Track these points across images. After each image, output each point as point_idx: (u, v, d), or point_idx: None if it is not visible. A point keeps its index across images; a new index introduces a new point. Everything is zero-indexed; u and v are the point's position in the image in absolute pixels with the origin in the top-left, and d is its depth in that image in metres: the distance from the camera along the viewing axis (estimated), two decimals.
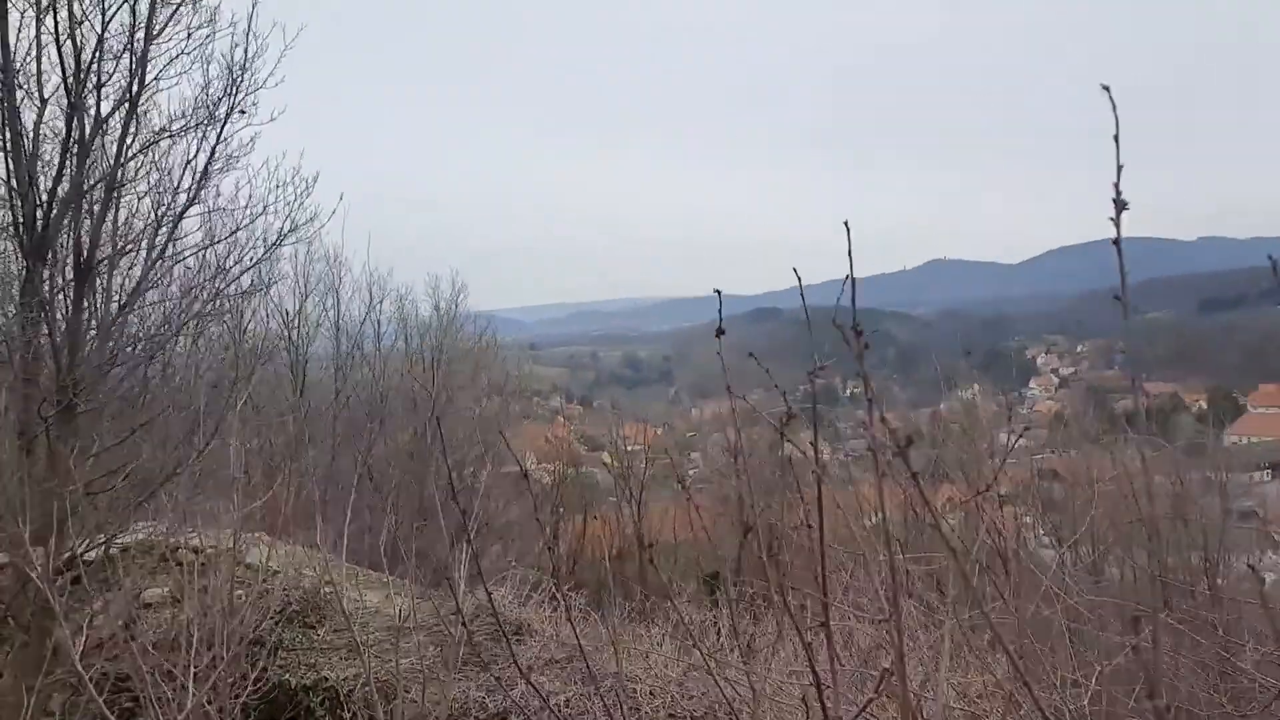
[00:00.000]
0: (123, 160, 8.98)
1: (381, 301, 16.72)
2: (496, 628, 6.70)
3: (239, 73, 9.41)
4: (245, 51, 9.38)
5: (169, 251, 9.21)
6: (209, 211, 9.44)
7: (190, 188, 9.26)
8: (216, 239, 9.45)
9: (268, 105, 9.71)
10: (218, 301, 9.55)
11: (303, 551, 8.81)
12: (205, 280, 9.28)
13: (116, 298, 8.97)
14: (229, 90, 9.38)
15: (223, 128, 9.43)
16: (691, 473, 30.71)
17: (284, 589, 7.26)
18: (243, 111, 9.48)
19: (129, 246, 9.08)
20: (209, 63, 9.35)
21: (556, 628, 7.81)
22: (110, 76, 8.94)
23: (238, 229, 9.49)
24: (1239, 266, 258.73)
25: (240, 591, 6.31)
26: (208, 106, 9.34)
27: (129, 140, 9.03)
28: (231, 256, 9.56)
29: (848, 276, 2.25)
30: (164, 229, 9.16)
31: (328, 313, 16.69)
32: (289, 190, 9.78)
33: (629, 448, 35.87)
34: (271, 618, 6.92)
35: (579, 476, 25.13)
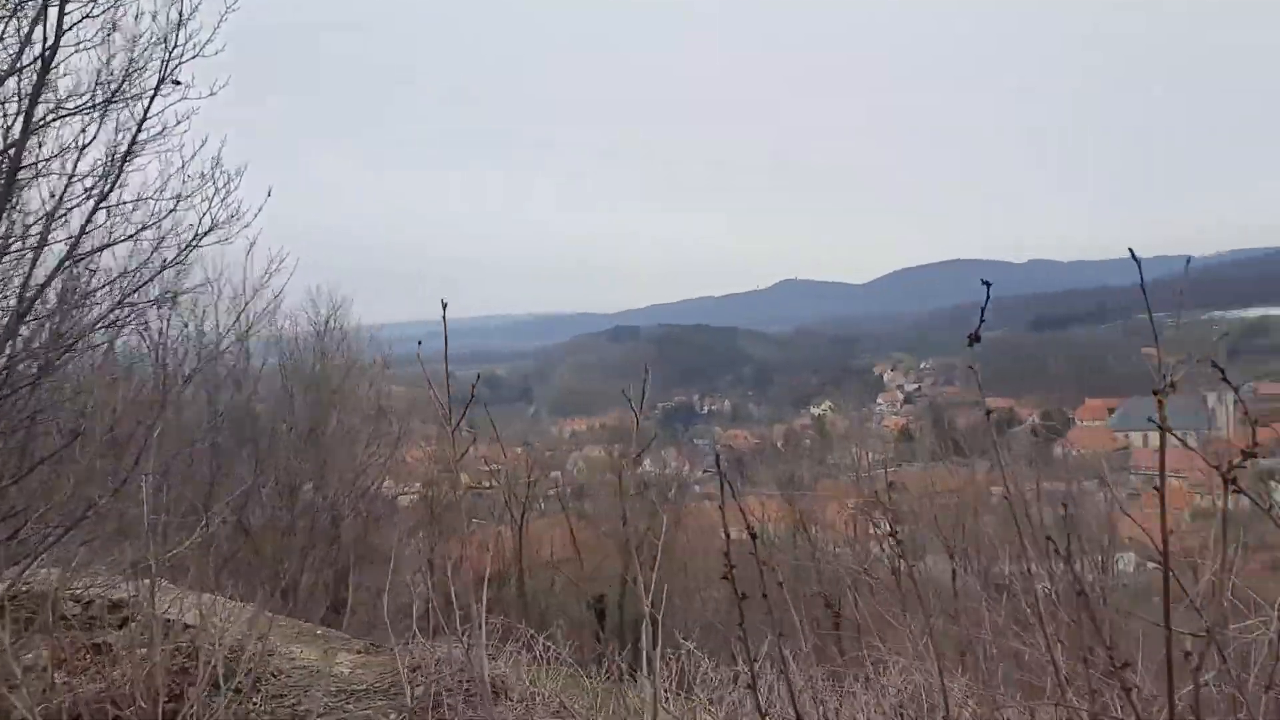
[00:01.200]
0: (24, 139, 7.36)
1: (242, 315, 15.83)
2: (468, 687, 5.88)
3: (171, 35, 7.83)
4: (180, 11, 7.78)
5: (82, 249, 7.74)
6: (112, 206, 7.96)
7: (106, 175, 7.82)
8: (118, 238, 8.03)
9: (205, 77, 8.04)
10: (123, 311, 8.19)
11: (223, 603, 7.12)
12: (99, 286, 7.93)
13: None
14: (164, 57, 7.83)
15: (150, 103, 7.89)
16: (551, 492, 30.83)
17: (206, 647, 6.19)
18: (176, 82, 8.03)
19: (12, 244, 7.65)
20: (137, 18, 7.69)
21: (536, 684, 6.52)
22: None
23: (144, 227, 8.14)
24: (1064, 288, 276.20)
25: (144, 650, 5.43)
26: (126, 76, 7.84)
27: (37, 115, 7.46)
28: (135, 258, 8.18)
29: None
30: (59, 221, 7.65)
31: (188, 328, 15.80)
32: (207, 184, 8.33)
33: (489, 468, 35.62)
34: (191, 684, 5.54)
35: (451, 499, 24.89)
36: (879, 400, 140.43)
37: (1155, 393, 2.22)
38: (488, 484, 34.87)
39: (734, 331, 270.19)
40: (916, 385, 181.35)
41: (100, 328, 7.97)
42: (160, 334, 11.32)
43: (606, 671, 6.23)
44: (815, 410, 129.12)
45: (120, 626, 5.65)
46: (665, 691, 5.79)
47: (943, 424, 40.52)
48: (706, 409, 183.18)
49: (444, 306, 3.24)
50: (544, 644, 5.15)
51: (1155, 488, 2.27)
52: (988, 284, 2.16)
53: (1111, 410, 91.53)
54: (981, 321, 2.12)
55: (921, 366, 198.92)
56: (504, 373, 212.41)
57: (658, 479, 30.64)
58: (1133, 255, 2.59)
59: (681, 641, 6.36)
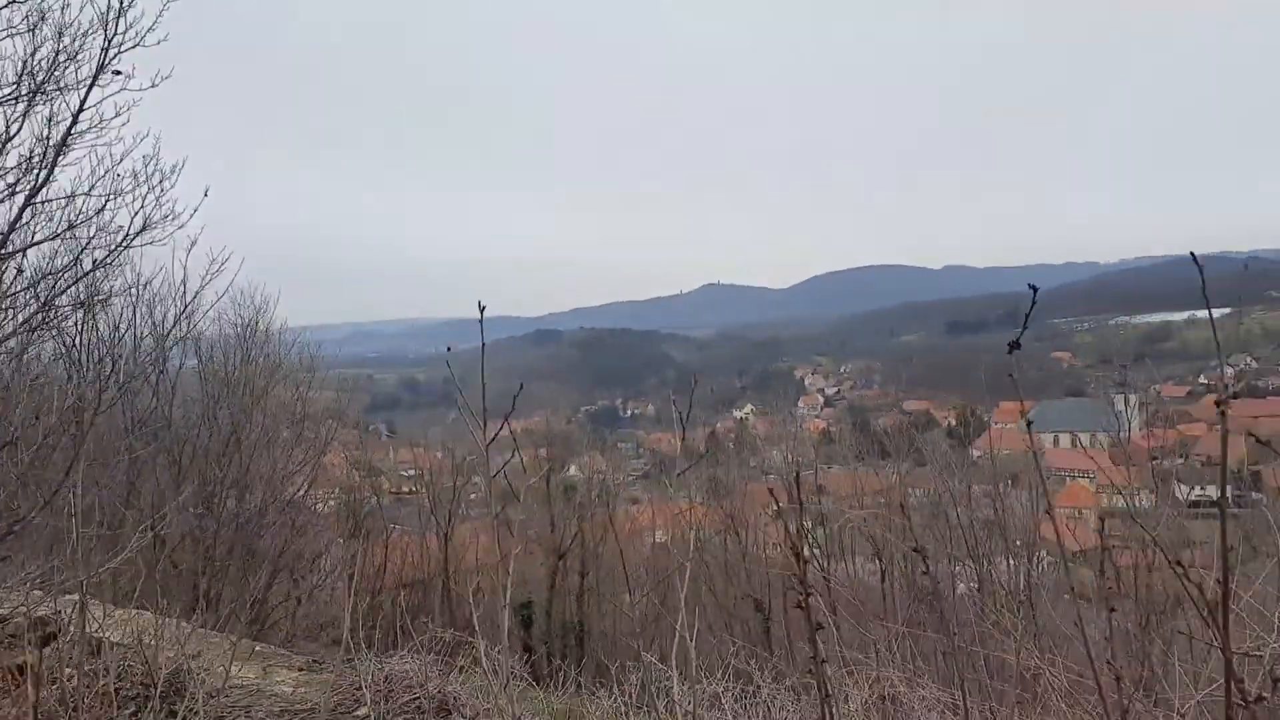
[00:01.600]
0: None
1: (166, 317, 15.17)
2: (417, 705, 5.72)
3: (111, 22, 7.45)
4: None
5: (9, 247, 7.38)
6: (39, 203, 7.58)
7: (37, 170, 7.39)
8: (45, 236, 7.65)
9: (148, 68, 7.67)
10: (49, 312, 7.81)
11: (150, 618, 6.54)
12: (20, 289, 7.48)
13: None
14: (103, 45, 7.47)
15: (87, 93, 7.47)
16: (472, 496, 30.53)
17: (139, 666, 5.73)
18: (117, 72, 7.59)
19: None
20: (64, 9, 7.32)
21: (488, 699, 6.03)
22: None
23: (71, 225, 7.71)
24: (980, 293, 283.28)
25: (70, 671, 5.08)
26: (54, 65, 7.42)
27: None
28: (61, 257, 7.79)
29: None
30: None
31: (117, 330, 15.04)
32: (141, 181, 7.90)
33: (407, 473, 35.18)
34: (123, 704, 5.45)
35: (369, 504, 24.51)
36: (800, 403, 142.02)
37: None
38: (408, 489, 34.47)
39: (657, 335, 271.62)
40: (836, 388, 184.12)
41: (19, 333, 7.51)
42: (81, 338, 10.91)
43: (561, 685, 6.16)
44: (738, 413, 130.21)
45: (43, 645, 5.35)
46: (625, 706, 5.78)
47: (862, 427, 41.14)
48: (630, 412, 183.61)
49: (481, 309, 3.12)
50: (494, 657, 4.97)
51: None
52: (1034, 288, 2.21)
53: (1024, 413, 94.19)
54: (1024, 329, 2.18)
55: (841, 370, 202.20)
56: (423, 377, 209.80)
57: (584, 483, 30.57)
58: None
59: (643, 655, 6.19)
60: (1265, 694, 1.71)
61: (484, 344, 3.16)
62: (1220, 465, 1.87)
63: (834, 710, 2.31)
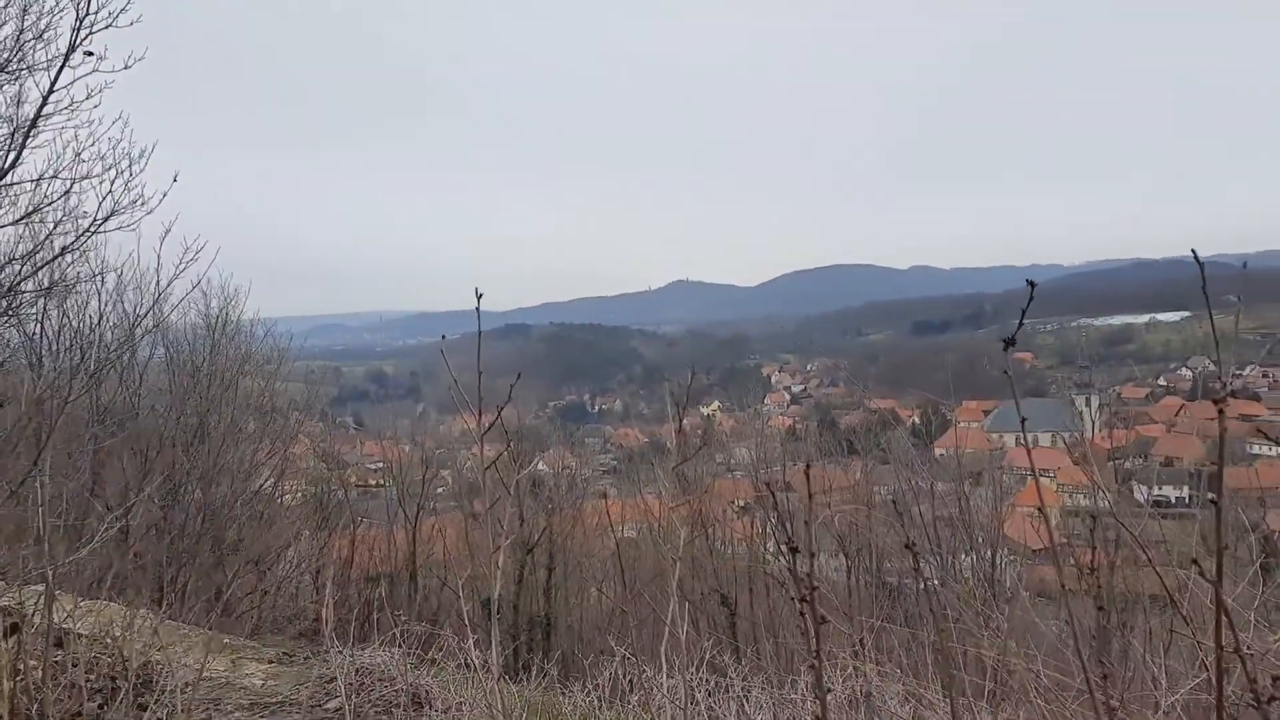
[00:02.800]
0: None
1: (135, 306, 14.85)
2: (389, 698, 5.60)
3: (83, 1, 7.27)
4: None
5: None
6: (5, 185, 7.44)
7: (4, 149, 7.20)
8: (7, 220, 7.45)
9: (119, 50, 7.47)
10: (12, 299, 7.64)
11: (117, 610, 6.46)
12: None
13: None
14: (74, 25, 7.23)
15: (58, 73, 7.25)
16: (439, 490, 30.34)
17: (107, 659, 5.57)
18: (89, 53, 7.36)
19: None
20: None
21: (462, 693, 6.00)
22: None
23: (37, 209, 7.52)
24: (945, 294, 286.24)
25: (34, 663, 4.87)
26: (19, 45, 7.25)
27: None
28: (25, 243, 7.58)
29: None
30: None
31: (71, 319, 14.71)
32: (109, 165, 7.62)
33: (374, 465, 34.88)
34: (90, 697, 5.20)
35: (337, 496, 24.30)
36: (767, 400, 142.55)
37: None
38: (375, 482, 34.19)
39: (626, 331, 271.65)
40: (803, 386, 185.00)
41: None
42: (45, 326, 10.69)
43: (531, 678, 6.09)
44: (705, 410, 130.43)
45: (7, 637, 5.23)
46: (599, 699, 5.73)
47: (828, 424, 41.43)
48: (597, 407, 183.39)
49: (479, 296, 3.07)
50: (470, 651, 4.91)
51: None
52: (1032, 284, 2.22)
53: (987, 412, 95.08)
54: (1020, 325, 2.18)
55: (808, 368, 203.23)
56: (391, 370, 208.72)
57: (552, 477, 30.53)
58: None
59: (615, 649, 6.13)
60: (1278, 695, 1.73)
61: (479, 331, 3.14)
62: (1218, 462, 1.90)
63: (825, 705, 2.33)
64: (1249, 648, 3.37)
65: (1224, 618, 1.79)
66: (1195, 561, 1.98)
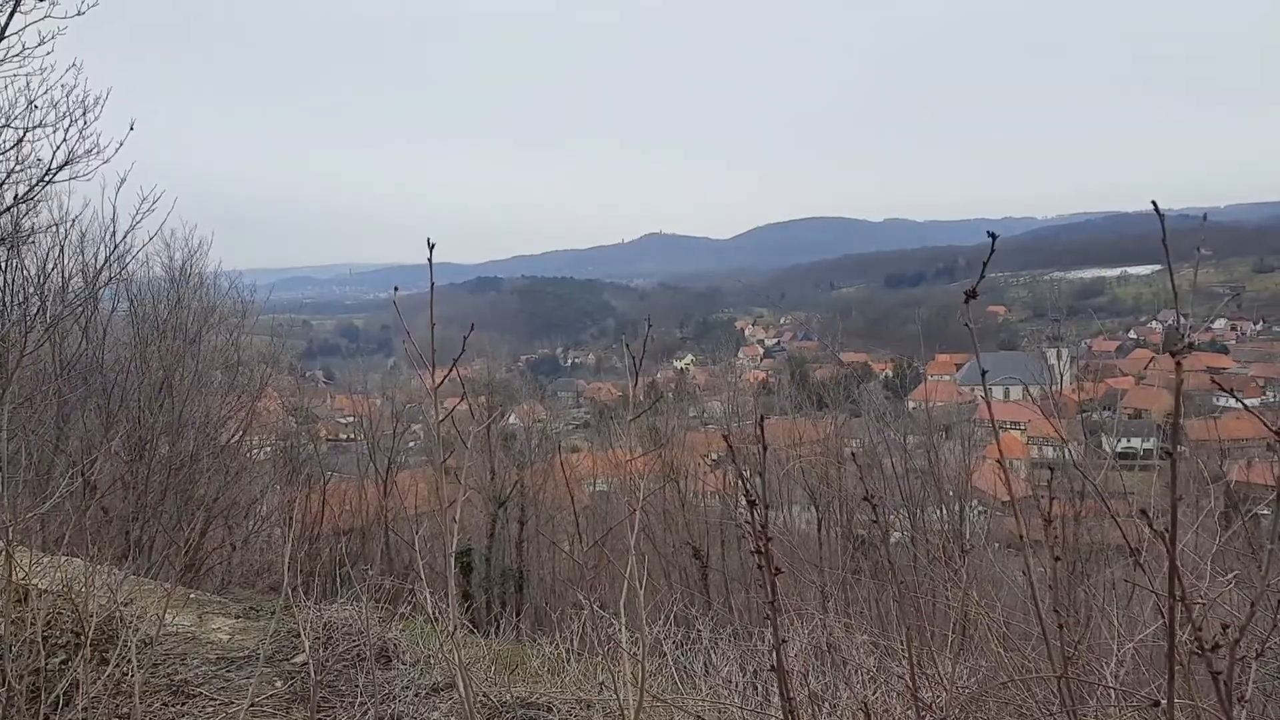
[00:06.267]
0: None
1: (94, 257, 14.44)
2: (357, 652, 5.60)
3: None
4: None
5: None
6: None
7: None
8: None
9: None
10: None
11: (80, 565, 6.13)
12: None
13: None
14: None
15: (8, 19, 6.97)
16: (411, 445, 30.28)
17: (69, 614, 5.43)
18: None
19: None
20: None
21: (429, 646, 6.00)
22: None
23: None
24: (918, 246, 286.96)
25: None
26: None
27: None
28: None
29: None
30: None
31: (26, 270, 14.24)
32: (63, 114, 7.35)
33: (345, 420, 34.77)
34: (52, 653, 5.15)
35: (306, 450, 24.18)
36: (740, 354, 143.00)
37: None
38: (345, 436, 34.09)
39: (598, 284, 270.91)
40: (776, 339, 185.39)
41: None
42: (4, 277, 10.45)
43: (503, 631, 6.11)
44: (678, 364, 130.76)
45: None
46: (567, 652, 5.77)
47: (801, 378, 41.58)
48: (570, 361, 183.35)
49: (430, 246, 2.99)
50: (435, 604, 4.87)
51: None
52: (993, 235, 2.19)
53: (959, 366, 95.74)
54: (981, 277, 2.15)
55: (781, 322, 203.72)
56: (361, 323, 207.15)
57: (523, 431, 30.54)
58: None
59: (589, 606, 6.11)
60: (1221, 642, 1.74)
61: (432, 284, 3.07)
62: (1174, 415, 1.88)
63: (781, 656, 2.32)
64: (1204, 596, 3.41)
65: (1175, 567, 1.79)
66: (1144, 512, 1.97)
